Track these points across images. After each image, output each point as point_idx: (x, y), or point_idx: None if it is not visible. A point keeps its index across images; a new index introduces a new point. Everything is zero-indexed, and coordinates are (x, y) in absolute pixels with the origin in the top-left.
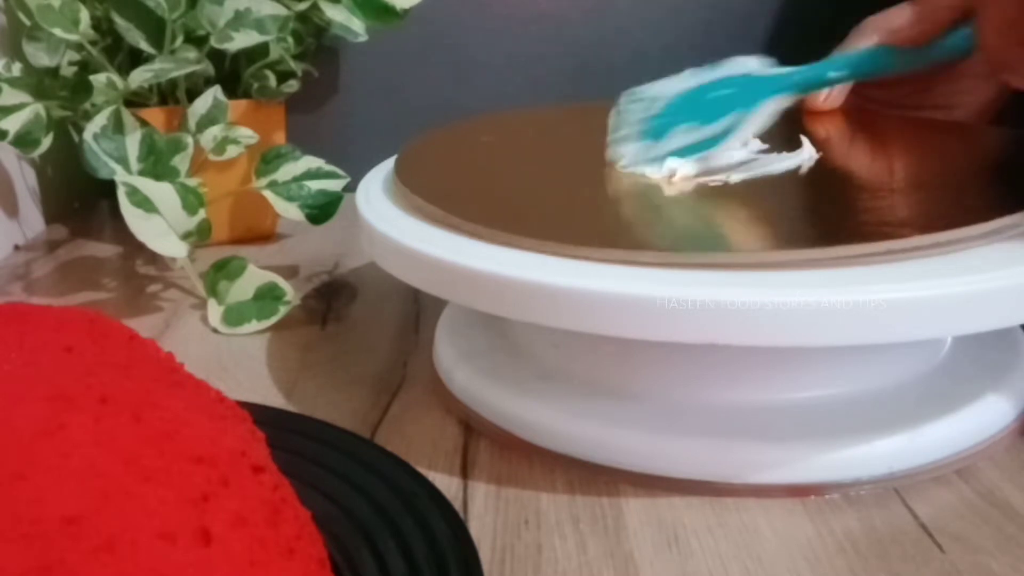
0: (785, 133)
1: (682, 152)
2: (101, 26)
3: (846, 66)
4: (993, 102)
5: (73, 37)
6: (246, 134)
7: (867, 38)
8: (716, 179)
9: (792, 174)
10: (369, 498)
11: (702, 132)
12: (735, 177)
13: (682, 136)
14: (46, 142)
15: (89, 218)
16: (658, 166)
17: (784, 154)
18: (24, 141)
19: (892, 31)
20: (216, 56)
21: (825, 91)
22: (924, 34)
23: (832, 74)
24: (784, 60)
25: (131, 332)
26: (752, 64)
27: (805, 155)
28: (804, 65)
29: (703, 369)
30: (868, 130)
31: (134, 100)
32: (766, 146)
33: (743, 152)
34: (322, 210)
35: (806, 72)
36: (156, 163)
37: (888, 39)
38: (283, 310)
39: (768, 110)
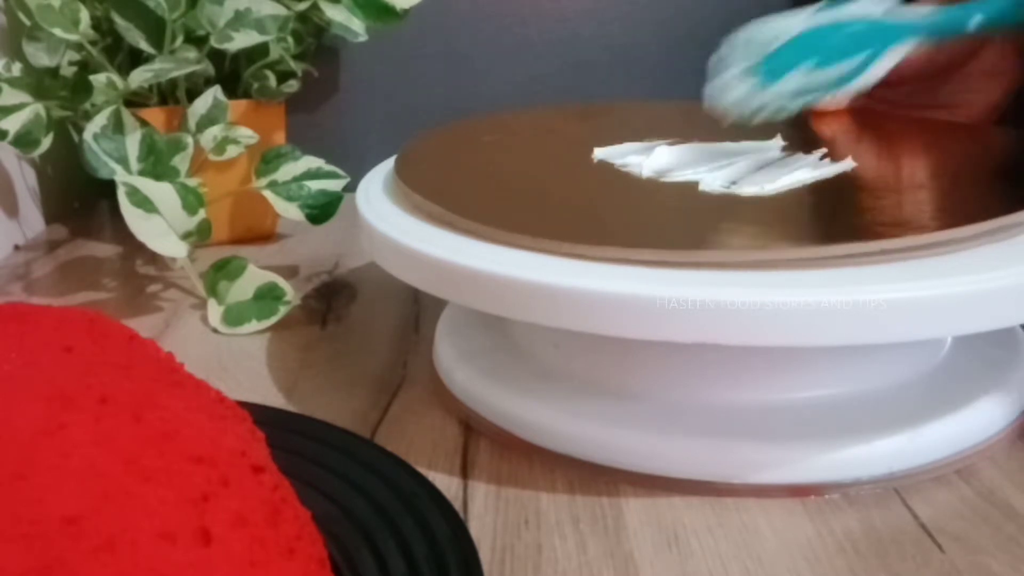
0: (794, 134)
1: (797, 95)
2: (101, 26)
3: (988, 10)
4: (998, 102)
5: (73, 37)
6: (246, 134)
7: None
8: (749, 190)
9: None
10: (369, 498)
11: (822, 75)
12: (765, 189)
13: (799, 78)
14: (46, 142)
15: (89, 218)
16: (765, 110)
17: (816, 161)
18: (24, 141)
19: None
20: (216, 56)
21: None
22: None
23: (972, 21)
24: None
25: (131, 332)
26: (879, 6)
27: (841, 166)
28: (938, 8)
29: (703, 369)
30: (873, 130)
31: (134, 100)
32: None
33: (773, 155)
34: (322, 210)
35: (942, 16)
36: (156, 163)
37: None
38: (283, 310)
39: (895, 57)
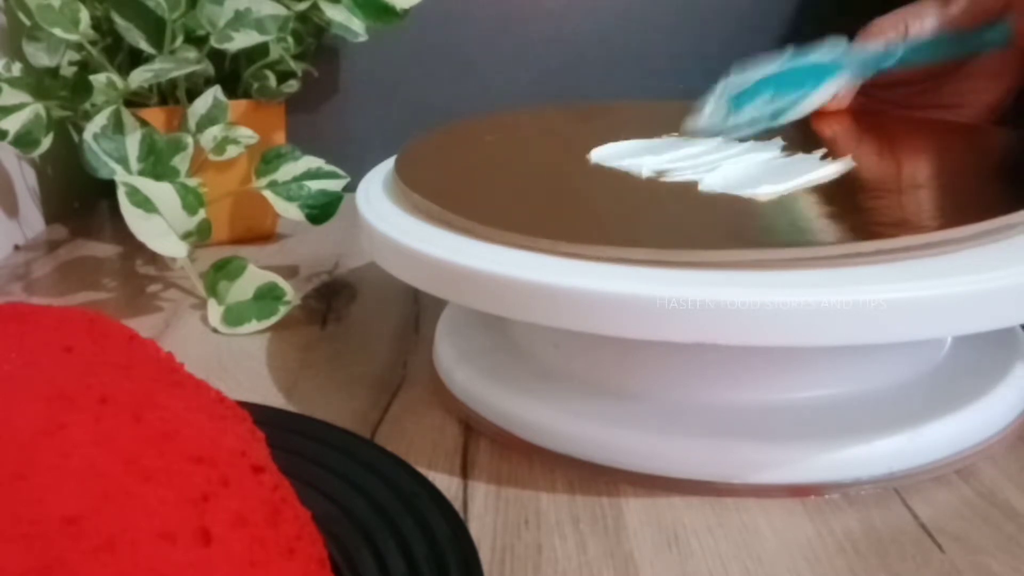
0: (794, 134)
1: (754, 121)
2: (101, 26)
3: (904, 52)
4: (999, 102)
5: (73, 37)
6: (246, 134)
7: (876, 38)
8: (745, 192)
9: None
10: (369, 498)
11: (772, 105)
12: (766, 190)
13: (756, 109)
14: (46, 142)
15: (89, 218)
16: (730, 132)
17: (816, 161)
18: (24, 141)
19: (949, 18)
20: (216, 56)
21: (833, 91)
22: (975, 18)
23: (890, 59)
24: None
25: (131, 332)
26: (832, 52)
27: (840, 166)
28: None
29: (703, 369)
30: (875, 130)
31: (134, 100)
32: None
33: (771, 154)
34: (322, 210)
35: (867, 56)
36: (156, 163)
37: (942, 25)
38: (283, 310)
39: (830, 89)
